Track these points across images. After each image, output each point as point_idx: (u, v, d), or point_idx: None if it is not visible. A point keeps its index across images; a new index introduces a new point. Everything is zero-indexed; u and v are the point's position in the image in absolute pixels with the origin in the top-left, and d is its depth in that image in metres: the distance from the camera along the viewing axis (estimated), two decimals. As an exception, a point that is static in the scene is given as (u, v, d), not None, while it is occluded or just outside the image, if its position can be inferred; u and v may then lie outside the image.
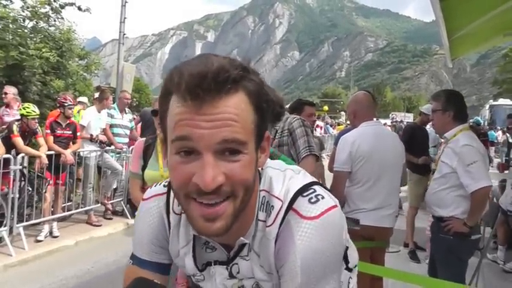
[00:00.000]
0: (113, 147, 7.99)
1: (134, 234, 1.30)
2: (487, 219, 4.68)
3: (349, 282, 1.36)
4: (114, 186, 8.22)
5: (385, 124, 17.14)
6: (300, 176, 1.17)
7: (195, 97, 0.92)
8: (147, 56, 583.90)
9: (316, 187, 1.13)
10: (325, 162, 3.81)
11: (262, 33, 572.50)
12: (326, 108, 39.06)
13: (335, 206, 1.09)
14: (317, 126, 20.57)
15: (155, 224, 1.25)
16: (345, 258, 1.27)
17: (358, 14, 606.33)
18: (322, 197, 1.09)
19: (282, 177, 1.15)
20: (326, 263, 1.03)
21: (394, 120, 28.64)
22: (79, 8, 11.31)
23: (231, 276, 1.19)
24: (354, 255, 1.40)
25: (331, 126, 23.53)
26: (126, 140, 8.34)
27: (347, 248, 1.24)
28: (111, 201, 8.18)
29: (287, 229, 1.06)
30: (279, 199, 1.10)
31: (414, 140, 6.79)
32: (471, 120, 17.54)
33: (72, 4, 11.05)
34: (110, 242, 6.80)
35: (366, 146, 3.53)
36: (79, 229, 7.08)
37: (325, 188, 1.18)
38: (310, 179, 1.17)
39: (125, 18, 13.97)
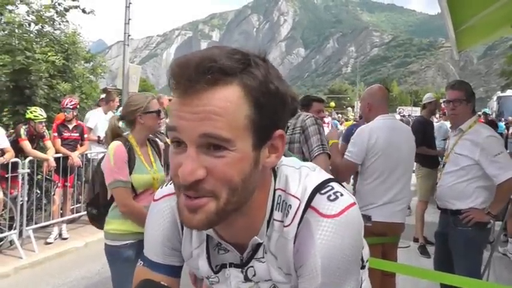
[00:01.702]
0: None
1: (146, 236, 1.27)
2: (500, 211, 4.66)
3: (362, 279, 1.33)
4: None
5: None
6: (316, 173, 1.12)
7: (178, 87, 0.91)
8: (152, 56, 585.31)
9: (333, 184, 1.08)
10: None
11: (267, 31, 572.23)
12: (333, 104, 38.94)
13: (354, 204, 1.05)
14: (324, 122, 20.50)
15: (167, 225, 1.22)
16: (361, 255, 1.24)
17: (363, 9, 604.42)
18: (341, 194, 1.05)
19: (298, 175, 1.11)
20: (347, 262, 1.01)
21: (402, 114, 28.48)
22: (83, 11, 11.34)
23: (246, 279, 1.16)
24: (366, 251, 1.38)
25: (338, 121, 23.43)
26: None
27: (363, 246, 1.22)
28: None
29: (306, 228, 1.02)
30: (296, 197, 1.06)
31: (424, 134, 6.72)
32: (480, 111, 17.55)
33: (76, 7, 11.08)
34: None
35: (382, 140, 3.51)
36: (88, 230, 7.07)
37: (342, 184, 1.13)
38: (326, 175, 1.13)
39: (129, 19, 13.97)
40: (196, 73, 0.89)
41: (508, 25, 8.30)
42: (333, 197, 1.03)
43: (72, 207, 7.30)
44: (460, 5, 5.28)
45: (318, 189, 1.05)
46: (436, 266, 3.96)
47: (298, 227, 1.03)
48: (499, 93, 34.40)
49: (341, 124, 22.20)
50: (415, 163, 6.58)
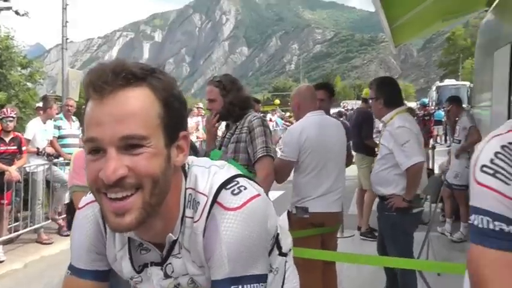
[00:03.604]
0: (61, 159, 7.64)
1: (71, 245, 1.32)
2: (430, 194, 4.92)
3: (285, 266, 1.46)
4: (66, 201, 7.68)
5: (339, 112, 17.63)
6: (224, 171, 1.23)
7: (96, 89, 1.01)
8: (94, 60, 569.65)
9: (239, 179, 1.19)
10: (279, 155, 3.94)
11: (210, 31, 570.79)
12: (277, 101, 39.18)
13: (258, 195, 1.15)
14: (269, 120, 20.65)
15: (92, 231, 1.28)
16: (277, 244, 1.37)
17: (304, 7, 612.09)
18: (245, 188, 1.15)
19: (207, 174, 1.20)
20: (252, 250, 1.10)
21: (346, 108, 29.22)
22: (16, 13, 10.89)
23: (166, 276, 1.24)
24: (287, 241, 1.49)
25: (282, 119, 23.60)
26: (77, 149, 8.02)
27: (278, 234, 1.35)
28: (63, 216, 7.73)
29: (213, 222, 1.12)
30: (204, 194, 1.16)
31: (366, 124, 7.14)
32: (418, 102, 18.43)
33: (8, 8, 10.60)
34: (63, 259, 6.47)
35: (312, 136, 3.68)
36: (28, 250, 6.71)
37: (251, 179, 1.24)
38: (234, 172, 1.23)
39: (66, 22, 13.59)
40: (112, 75, 1.00)
41: (440, 20, 8.62)
42: (236, 191, 1.14)
43: (10, 226, 6.87)
44: (393, 3, 5.46)
45: (224, 185, 1.16)
46: (379, 251, 4.26)
47: (206, 222, 1.13)
48: (438, 83, 36.22)
49: (285, 121, 22.41)
50: (360, 154, 6.87)
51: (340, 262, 4.29)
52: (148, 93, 1.05)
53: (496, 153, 0.99)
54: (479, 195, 0.99)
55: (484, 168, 0.99)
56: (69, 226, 3.47)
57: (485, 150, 1.02)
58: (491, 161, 0.99)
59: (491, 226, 0.95)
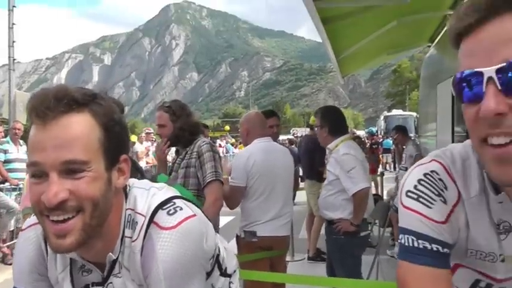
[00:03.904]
0: (7, 184, 7.41)
1: (14, 266, 1.34)
2: (377, 218, 5.13)
3: (229, 287, 1.51)
4: (11, 228, 7.49)
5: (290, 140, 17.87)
6: (162, 192, 1.28)
7: (39, 115, 1.05)
8: (42, 81, 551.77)
9: (176, 200, 1.24)
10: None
11: (160, 55, 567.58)
12: (227, 128, 39.34)
13: (193, 215, 1.21)
14: (219, 146, 20.73)
15: (34, 252, 1.29)
16: (218, 264, 1.41)
17: (254, 35, 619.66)
18: (181, 208, 1.21)
19: (146, 195, 1.25)
20: (187, 267, 1.16)
21: (296, 135, 29.68)
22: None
23: None
24: (232, 262, 1.55)
25: (232, 145, 23.76)
26: (24, 174, 7.63)
27: (218, 255, 1.40)
28: (8, 244, 7.41)
29: (149, 241, 1.16)
30: (142, 215, 1.21)
31: (319, 151, 7.19)
32: (366, 130, 18.98)
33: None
34: None
35: (259, 161, 3.75)
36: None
37: (188, 200, 1.30)
38: (171, 193, 1.28)
39: (13, 41, 13.25)
40: (54, 101, 1.04)
41: (385, 53, 9.04)
42: (172, 211, 1.19)
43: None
44: (338, 35, 5.73)
45: (161, 205, 1.21)
46: (328, 273, 4.36)
47: (143, 241, 1.18)
48: (386, 113, 37.42)
49: (235, 147, 22.59)
50: (311, 180, 6.95)
51: (291, 285, 4.35)
52: (89, 119, 1.09)
53: (419, 180, 1.10)
54: (405, 217, 1.09)
55: (409, 193, 1.09)
56: None
57: (410, 178, 1.13)
58: (415, 187, 1.09)
59: (415, 244, 1.04)
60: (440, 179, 1.09)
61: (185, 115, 3.61)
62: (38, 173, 1.06)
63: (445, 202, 1.07)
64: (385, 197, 9.05)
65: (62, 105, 1.05)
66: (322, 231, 7.12)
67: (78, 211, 1.07)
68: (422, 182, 1.09)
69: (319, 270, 6.26)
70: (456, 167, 1.11)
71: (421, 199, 1.07)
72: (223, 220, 5.00)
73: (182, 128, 3.57)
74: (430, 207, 1.06)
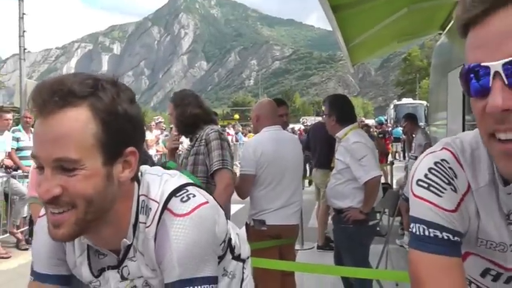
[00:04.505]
0: (20, 171, 7.49)
1: (33, 251, 1.37)
2: (387, 207, 5.12)
3: (243, 273, 1.53)
4: (24, 214, 7.61)
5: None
6: (175, 179, 1.29)
7: (38, 108, 1.05)
8: (52, 71, 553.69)
9: (189, 187, 1.26)
10: (238, 170, 4.04)
11: (169, 44, 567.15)
12: (237, 116, 39.50)
13: (206, 202, 1.22)
14: (228, 134, 20.78)
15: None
16: (231, 249, 1.44)
17: (263, 24, 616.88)
18: (194, 196, 1.22)
19: (159, 181, 1.27)
20: (200, 254, 1.17)
21: (306, 124, 29.61)
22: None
23: (123, 278, 1.29)
24: (245, 248, 1.57)
25: (242, 134, 23.81)
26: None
27: (230, 239, 1.42)
28: (21, 230, 7.60)
29: (163, 228, 1.18)
30: (155, 201, 1.22)
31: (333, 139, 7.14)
32: (375, 120, 18.89)
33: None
34: (22, 273, 6.34)
35: (267, 150, 3.74)
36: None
37: (200, 187, 1.32)
38: (184, 180, 1.30)
39: (24, 31, 13.32)
40: (48, 95, 1.03)
41: (395, 41, 8.97)
42: (185, 198, 1.21)
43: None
44: (349, 23, 5.69)
45: (174, 192, 1.22)
46: (336, 263, 4.33)
47: (157, 227, 1.19)
48: (396, 102, 37.16)
49: (245, 136, 22.64)
50: (324, 170, 6.89)
51: (300, 274, 4.37)
52: (85, 113, 1.06)
53: (429, 169, 1.09)
54: (416, 206, 1.09)
55: (419, 182, 1.09)
56: (30, 236, 3.48)
57: (420, 166, 1.12)
58: (426, 175, 1.09)
59: (426, 233, 1.05)
60: (450, 168, 1.09)
61: (183, 105, 3.65)
62: (39, 165, 1.08)
63: (455, 191, 1.07)
64: (394, 186, 9.04)
65: (57, 99, 1.03)
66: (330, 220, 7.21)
67: (72, 206, 1.08)
68: (432, 171, 1.09)
69: (328, 259, 6.30)
70: (465, 156, 1.10)
71: (431, 188, 1.07)
72: (233, 208, 5.02)
73: (178, 118, 3.66)
74: (440, 196, 1.06)
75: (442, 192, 1.06)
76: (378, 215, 4.58)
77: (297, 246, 5.56)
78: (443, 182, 1.07)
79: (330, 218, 5.78)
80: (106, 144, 1.09)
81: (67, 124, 1.04)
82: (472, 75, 0.91)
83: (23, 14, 13.31)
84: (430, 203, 1.06)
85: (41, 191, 1.05)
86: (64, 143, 1.03)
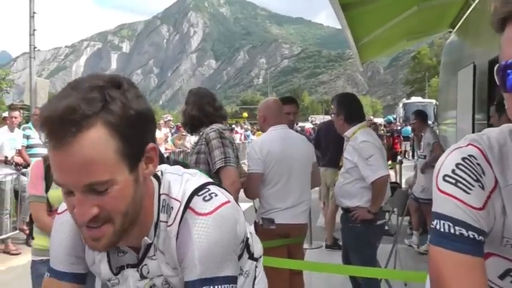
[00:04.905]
0: (29, 168, 7.56)
1: (51, 248, 1.37)
2: (396, 207, 5.09)
3: (256, 271, 1.54)
4: None
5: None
6: (196, 178, 1.29)
7: (50, 137, 1.00)
8: (61, 69, 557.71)
9: (210, 187, 1.26)
10: (246, 168, 4.03)
11: (178, 43, 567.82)
12: (245, 114, 39.46)
13: (228, 202, 1.22)
14: (236, 132, 20.83)
15: (71, 235, 1.33)
16: (247, 248, 1.43)
17: (272, 22, 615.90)
18: (216, 195, 1.22)
19: (180, 181, 1.27)
20: (222, 253, 1.17)
21: (314, 122, 29.58)
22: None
23: (142, 276, 1.30)
24: (258, 247, 1.60)
25: (251, 132, 23.87)
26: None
27: (247, 239, 1.42)
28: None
29: (185, 226, 1.18)
30: (177, 200, 1.22)
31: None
32: (384, 119, 18.88)
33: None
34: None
35: (274, 149, 3.73)
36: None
37: (221, 187, 1.31)
38: (205, 180, 1.30)
39: (34, 30, 13.39)
40: (61, 128, 0.98)
41: (405, 39, 8.93)
42: (207, 197, 1.21)
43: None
44: (358, 22, 5.68)
45: (196, 191, 1.22)
46: (344, 260, 4.33)
47: (179, 226, 1.20)
48: (405, 100, 37.04)
49: (253, 134, 22.71)
50: (334, 169, 6.90)
51: (308, 273, 4.36)
52: (102, 132, 1.01)
53: (457, 164, 1.06)
54: (442, 202, 1.05)
55: (446, 178, 1.05)
56: (31, 235, 3.43)
57: (447, 161, 1.08)
58: (453, 171, 1.05)
59: (451, 230, 1.01)
60: (478, 164, 1.06)
61: (188, 104, 3.74)
62: (66, 189, 1.06)
63: (482, 188, 1.04)
64: (403, 186, 9.00)
65: (71, 134, 0.98)
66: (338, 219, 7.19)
67: (109, 220, 1.09)
68: (460, 167, 1.06)
69: (336, 258, 6.31)
70: (493, 152, 1.07)
71: (459, 184, 1.04)
72: (241, 207, 5.02)
73: (183, 116, 3.76)
74: (468, 193, 1.03)
75: (470, 189, 1.03)
76: (386, 214, 4.55)
77: (305, 245, 5.56)
78: (472, 178, 1.04)
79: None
80: (128, 153, 1.08)
81: (88, 150, 1.00)
82: (509, 71, 0.89)
83: (34, 12, 13.37)
84: (458, 199, 1.03)
85: (77, 216, 1.06)
86: (90, 168, 1.01)
